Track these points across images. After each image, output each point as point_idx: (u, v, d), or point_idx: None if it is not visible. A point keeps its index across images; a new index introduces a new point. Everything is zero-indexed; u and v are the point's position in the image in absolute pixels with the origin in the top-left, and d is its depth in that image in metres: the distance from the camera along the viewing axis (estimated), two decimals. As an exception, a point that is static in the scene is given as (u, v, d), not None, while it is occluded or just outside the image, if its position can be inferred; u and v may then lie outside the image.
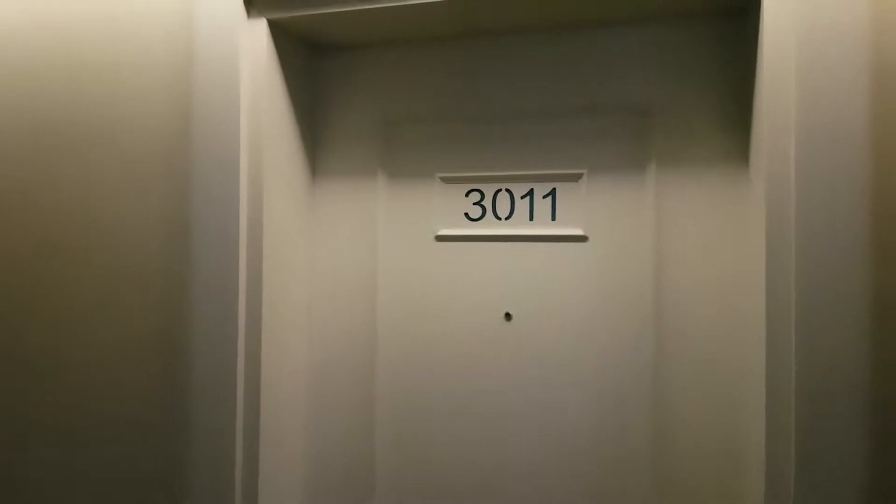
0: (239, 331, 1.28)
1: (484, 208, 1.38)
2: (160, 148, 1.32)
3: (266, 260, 1.31)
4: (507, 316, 1.35)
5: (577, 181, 1.32)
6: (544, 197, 1.34)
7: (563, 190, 1.33)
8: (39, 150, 1.40)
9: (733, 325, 1.23)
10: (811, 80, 1.03)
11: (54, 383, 1.39)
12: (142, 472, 1.33)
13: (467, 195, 1.38)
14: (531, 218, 1.35)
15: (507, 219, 1.36)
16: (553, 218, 1.34)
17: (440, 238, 1.40)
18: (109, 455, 1.35)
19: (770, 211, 1.06)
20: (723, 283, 1.24)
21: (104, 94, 1.36)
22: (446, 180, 1.39)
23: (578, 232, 1.32)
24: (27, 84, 1.41)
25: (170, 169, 1.32)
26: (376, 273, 1.43)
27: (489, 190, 1.37)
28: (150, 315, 1.33)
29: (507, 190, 1.36)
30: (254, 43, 1.31)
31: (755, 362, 1.14)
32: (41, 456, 1.40)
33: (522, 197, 1.35)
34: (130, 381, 1.34)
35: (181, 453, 1.31)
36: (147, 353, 1.33)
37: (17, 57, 1.42)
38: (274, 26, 1.32)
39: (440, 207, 1.40)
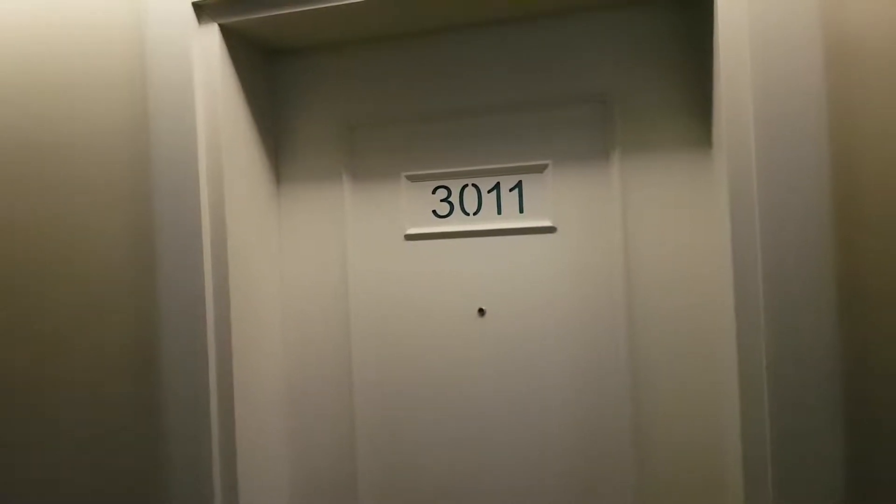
0: (209, 340, 1.26)
1: (451, 205, 1.37)
2: (118, 161, 1.30)
3: (232, 269, 1.29)
4: (481, 311, 1.35)
5: (542, 172, 1.32)
6: (511, 190, 1.34)
7: (529, 182, 1.32)
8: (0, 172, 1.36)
9: (704, 309, 1.24)
10: (766, 60, 1.03)
11: (28, 398, 1.36)
12: (120, 485, 1.31)
13: (434, 192, 1.37)
14: (499, 212, 1.34)
15: (475, 214, 1.35)
16: (521, 210, 1.33)
17: (409, 237, 1.38)
18: (87, 468, 1.32)
19: (733, 190, 1.07)
20: (691, 266, 1.24)
21: (56, 111, 1.33)
22: (412, 178, 1.38)
23: (546, 223, 1.31)
24: (-25, 104, 1.37)
25: (129, 182, 1.29)
26: (347, 275, 1.41)
27: (456, 186, 1.36)
28: (119, 330, 1.30)
29: (474, 185, 1.35)
30: (206, 49, 1.28)
31: (727, 346, 1.15)
32: (20, 470, 1.36)
33: (489, 191, 1.35)
34: (104, 394, 1.31)
35: (158, 463, 1.28)
36: (118, 368, 1.30)
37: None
38: (226, 31, 1.30)
39: (407, 206, 1.38)
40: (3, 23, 1.35)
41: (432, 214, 1.37)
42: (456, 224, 1.36)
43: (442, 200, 1.37)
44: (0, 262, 1.36)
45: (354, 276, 1.41)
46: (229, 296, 1.28)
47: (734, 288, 1.07)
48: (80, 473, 1.33)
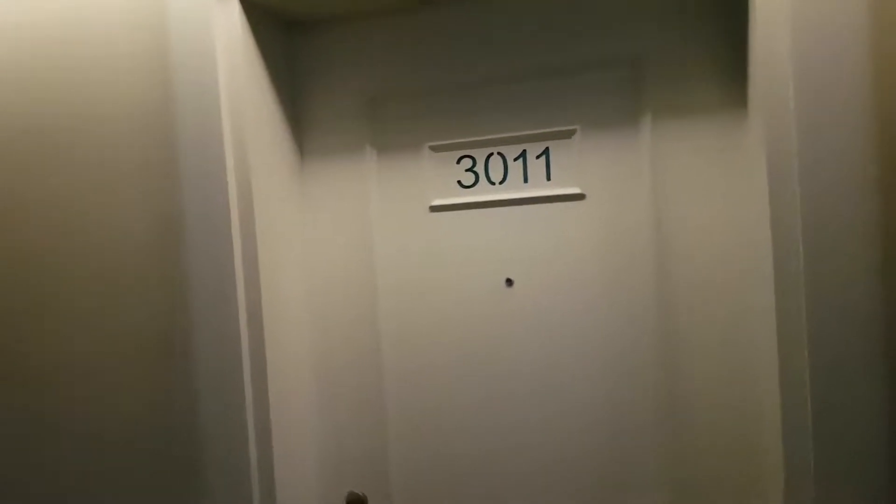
0: (240, 320, 1.27)
1: (477, 174, 1.34)
2: (143, 140, 1.30)
3: (261, 247, 1.30)
4: (509, 282, 1.33)
5: (570, 138, 1.28)
6: (538, 157, 1.30)
7: (556, 148, 1.29)
8: (22, 155, 1.39)
9: (740, 280, 1.19)
10: (806, 15, 0.97)
11: (59, 389, 1.40)
12: (155, 476, 1.34)
13: (458, 162, 1.35)
14: (525, 180, 1.31)
15: (500, 183, 1.33)
16: (548, 178, 1.30)
17: (434, 208, 1.37)
18: (121, 460, 1.36)
19: (771, 153, 1.02)
20: (726, 235, 1.20)
21: (81, 91, 1.34)
22: (436, 149, 1.36)
23: (575, 190, 1.28)
24: (2, 88, 1.39)
25: (155, 161, 1.30)
26: (373, 248, 1.41)
27: (481, 155, 1.34)
28: (150, 314, 1.32)
29: (499, 153, 1.32)
30: (228, 23, 1.27)
31: (765, 313, 1.11)
32: (51, 462, 1.41)
33: (515, 159, 1.32)
34: (135, 382, 1.34)
35: (195, 450, 1.31)
36: (150, 352, 1.33)
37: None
38: (247, 5, 1.29)
39: (432, 177, 1.36)
40: (25, 1, 1.36)
41: (457, 185, 1.35)
42: (481, 194, 1.34)
43: (467, 170, 1.35)
44: (26, 245, 1.39)
45: (380, 249, 1.41)
46: (259, 271, 1.28)
47: (774, 259, 1.02)
48: (111, 456, 1.37)
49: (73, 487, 1.40)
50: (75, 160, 1.35)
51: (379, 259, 1.41)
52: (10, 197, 1.40)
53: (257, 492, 1.28)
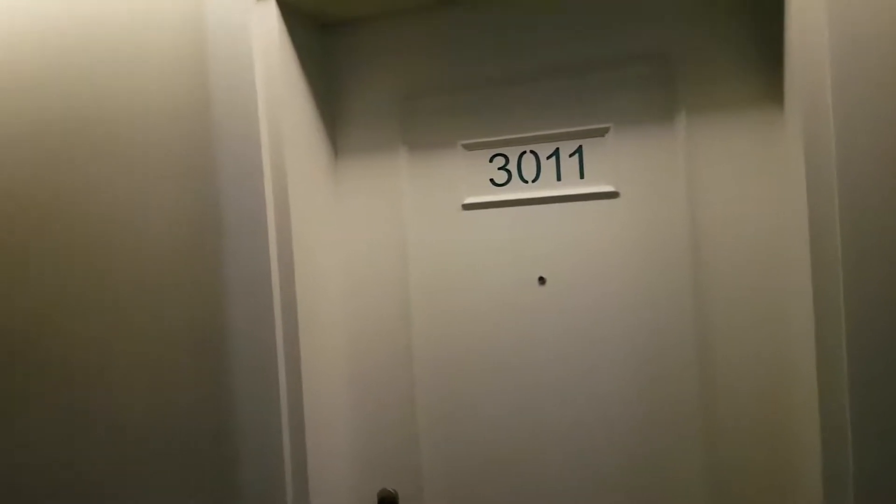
0: (275, 318, 1.29)
1: (509, 172, 1.35)
2: (182, 138, 1.33)
3: (296, 242, 1.31)
4: (541, 280, 1.33)
5: (603, 136, 1.28)
6: (571, 155, 1.31)
7: (589, 146, 1.29)
8: (66, 153, 1.42)
9: (776, 280, 1.18)
10: (843, 9, 0.96)
11: (99, 387, 1.42)
12: (190, 472, 1.36)
13: (491, 160, 1.36)
14: (559, 178, 1.32)
15: (533, 181, 1.33)
16: (581, 176, 1.30)
17: (467, 206, 1.37)
18: (158, 456, 1.39)
19: (808, 150, 1.01)
20: (763, 234, 1.19)
21: (121, 89, 1.37)
22: (469, 147, 1.37)
23: (609, 188, 1.28)
24: (46, 85, 1.42)
25: (193, 160, 1.32)
26: (405, 246, 1.42)
27: (513, 153, 1.34)
28: (187, 312, 1.34)
29: (532, 151, 1.33)
30: (264, 24, 1.29)
31: (802, 314, 1.10)
32: (90, 459, 1.44)
33: (548, 157, 1.32)
34: (173, 380, 1.36)
35: (230, 447, 1.33)
36: (187, 350, 1.35)
37: (33, 57, 1.43)
38: (283, 5, 1.31)
39: (465, 175, 1.37)
40: (69, 3, 1.40)
41: (490, 183, 1.36)
42: (514, 192, 1.35)
43: (499, 168, 1.35)
44: (68, 237, 1.43)
45: (412, 247, 1.42)
46: (293, 267, 1.30)
47: (811, 258, 1.01)
48: (148, 453, 1.39)
49: (111, 484, 1.42)
50: (117, 159, 1.38)
51: (411, 257, 1.42)
52: (54, 195, 1.43)
53: (291, 487, 1.30)
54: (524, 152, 1.33)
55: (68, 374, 1.45)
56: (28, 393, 1.49)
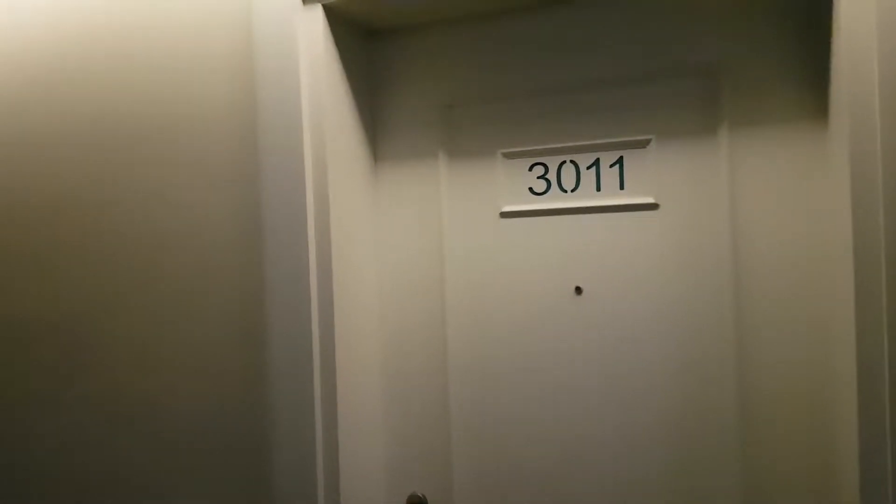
0: (312, 320, 1.30)
1: (549, 182, 1.35)
2: (227, 139, 1.35)
3: (335, 247, 1.33)
4: (578, 290, 1.33)
5: (644, 147, 1.28)
6: (611, 166, 1.31)
7: (630, 158, 1.29)
8: (112, 152, 1.45)
9: (819, 296, 1.17)
10: (893, 24, 0.97)
11: (137, 383, 1.44)
12: (222, 469, 1.37)
13: (531, 169, 1.36)
14: (598, 188, 1.32)
15: (573, 191, 1.34)
16: (621, 187, 1.30)
17: (505, 214, 1.38)
18: (191, 449, 1.40)
19: (855, 168, 1.00)
20: (805, 249, 1.18)
21: (169, 91, 1.39)
22: (508, 156, 1.38)
23: (649, 200, 1.28)
24: (100, 88, 1.46)
25: (238, 159, 1.34)
26: (443, 253, 1.43)
27: (553, 163, 1.35)
28: (228, 311, 1.36)
29: (572, 161, 1.33)
30: (311, 30, 1.32)
31: (844, 328, 1.09)
32: (128, 450, 1.45)
33: (588, 167, 1.32)
34: (212, 376, 1.38)
35: (263, 445, 1.34)
36: (226, 339, 1.36)
37: (83, 61, 1.46)
38: (329, 12, 1.33)
39: (504, 184, 1.38)
40: (117, 4, 1.43)
41: (529, 192, 1.37)
42: (553, 201, 1.35)
43: (539, 177, 1.36)
44: (115, 235, 1.45)
45: (450, 254, 1.42)
46: (332, 272, 1.31)
47: (854, 273, 1.01)
48: (183, 442, 1.41)
49: (147, 482, 1.44)
50: (164, 161, 1.41)
51: (449, 264, 1.42)
52: (104, 195, 1.46)
53: (322, 489, 1.30)
54: (564, 162, 1.34)
55: (111, 373, 1.47)
56: (70, 391, 1.51)
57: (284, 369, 1.31)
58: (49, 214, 1.51)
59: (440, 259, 1.43)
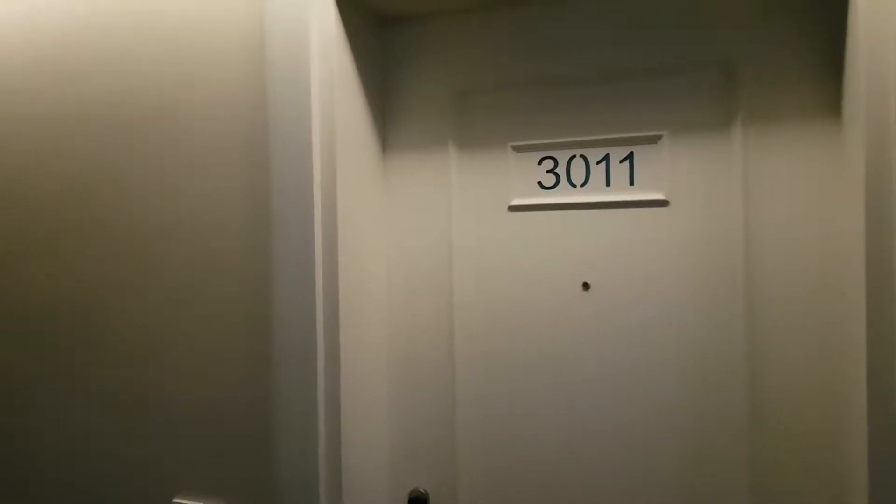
0: (317, 309, 1.29)
1: (558, 176, 1.34)
2: (237, 126, 1.34)
3: (341, 236, 1.32)
4: (585, 286, 1.32)
5: (656, 143, 1.27)
6: (621, 161, 1.30)
7: (641, 153, 1.28)
8: (126, 140, 1.44)
9: (830, 295, 1.16)
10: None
11: (145, 364, 1.44)
12: (225, 457, 1.37)
13: (540, 163, 1.35)
14: (608, 184, 1.31)
15: (582, 186, 1.33)
16: (631, 183, 1.29)
17: (514, 208, 1.37)
18: (195, 435, 1.39)
19: (869, 165, 0.99)
20: (818, 247, 1.17)
21: (179, 79, 1.39)
22: (518, 149, 1.36)
23: (659, 196, 1.27)
24: (110, 75, 1.45)
25: (247, 147, 1.34)
26: (450, 245, 1.42)
27: (563, 157, 1.34)
28: (234, 292, 1.35)
29: (582, 156, 1.32)
30: (322, 17, 1.30)
31: (855, 327, 1.08)
32: (138, 430, 1.45)
33: (598, 162, 1.31)
34: (218, 361, 1.37)
35: (266, 434, 1.33)
36: (232, 327, 1.36)
37: (95, 47, 1.46)
38: (341, 0, 1.32)
39: (513, 177, 1.37)
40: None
41: (538, 185, 1.35)
42: (562, 196, 1.34)
43: (548, 171, 1.35)
44: (122, 221, 1.44)
45: (458, 246, 1.41)
46: (338, 262, 1.30)
47: (866, 271, 0.99)
48: (187, 428, 1.40)
49: (147, 466, 1.44)
50: (175, 148, 1.40)
51: (456, 256, 1.41)
52: (114, 180, 1.45)
53: (324, 481, 1.29)
54: (574, 156, 1.33)
55: (115, 360, 1.46)
56: (75, 379, 1.50)
57: (288, 359, 1.30)
58: (57, 201, 1.51)
59: (448, 251, 1.42)
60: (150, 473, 1.44)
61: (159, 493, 1.43)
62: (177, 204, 1.40)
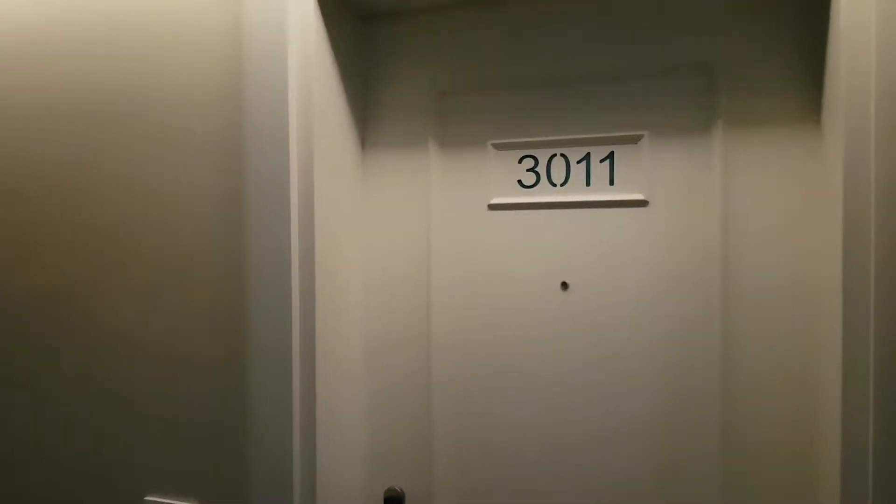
0: (293, 306, 1.27)
1: (538, 175, 1.33)
2: (211, 120, 1.32)
3: (318, 233, 1.30)
4: (564, 285, 1.31)
5: (636, 143, 1.26)
6: (602, 161, 1.29)
7: (621, 153, 1.27)
8: (97, 131, 1.42)
9: (807, 296, 1.16)
10: (893, 24, 0.95)
11: (118, 357, 1.42)
12: (200, 456, 1.35)
13: (520, 162, 1.34)
14: (588, 183, 1.30)
15: (562, 185, 1.32)
16: (611, 183, 1.28)
17: (493, 206, 1.36)
18: (168, 433, 1.38)
19: (848, 169, 0.99)
20: (795, 249, 1.17)
21: (155, 72, 1.36)
22: (499, 147, 1.35)
23: (639, 197, 1.26)
24: (82, 67, 1.42)
25: (222, 141, 1.32)
26: (429, 243, 1.40)
27: (543, 156, 1.33)
28: (209, 291, 1.34)
29: (563, 155, 1.31)
30: (301, 12, 1.29)
31: (831, 328, 1.08)
32: (105, 427, 1.43)
33: (578, 162, 1.30)
34: (191, 357, 1.36)
35: (240, 432, 1.32)
36: (206, 323, 1.34)
37: (68, 39, 1.43)
38: (321, -6, 1.30)
39: (493, 175, 1.36)
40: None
41: (517, 184, 1.34)
42: (542, 195, 1.33)
43: (528, 170, 1.34)
44: (94, 214, 1.42)
45: (436, 244, 1.40)
46: (314, 260, 1.29)
47: (843, 274, 0.99)
48: (160, 425, 1.38)
49: (121, 461, 1.42)
50: (148, 142, 1.38)
51: (435, 254, 1.40)
52: (85, 172, 1.43)
53: (298, 479, 1.28)
54: (554, 155, 1.32)
55: (89, 354, 1.44)
56: (48, 372, 1.48)
57: (263, 358, 1.29)
58: (31, 194, 1.48)
59: (426, 249, 1.41)
60: (122, 472, 1.42)
61: (131, 491, 1.41)
62: (149, 199, 1.38)
